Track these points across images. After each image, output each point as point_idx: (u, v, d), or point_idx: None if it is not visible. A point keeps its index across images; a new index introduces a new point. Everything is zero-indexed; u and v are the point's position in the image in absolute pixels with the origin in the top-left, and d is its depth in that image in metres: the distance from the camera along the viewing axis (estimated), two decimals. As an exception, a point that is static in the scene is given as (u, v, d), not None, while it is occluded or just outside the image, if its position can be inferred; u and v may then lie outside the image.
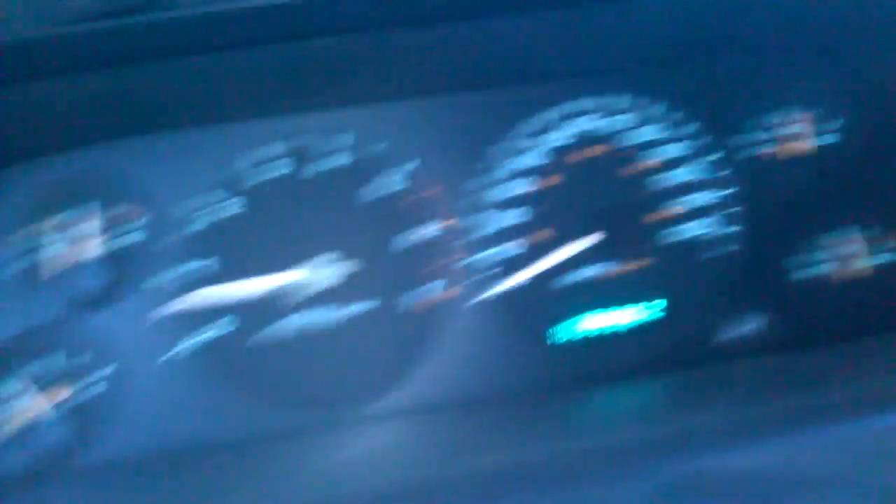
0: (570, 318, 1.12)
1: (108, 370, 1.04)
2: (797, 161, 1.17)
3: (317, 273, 1.06)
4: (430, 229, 1.10)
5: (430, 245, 1.10)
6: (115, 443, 1.03)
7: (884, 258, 1.17)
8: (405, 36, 0.98)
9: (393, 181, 1.10)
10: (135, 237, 1.06)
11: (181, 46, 0.91)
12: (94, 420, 1.03)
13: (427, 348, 1.09)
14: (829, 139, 1.18)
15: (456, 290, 1.10)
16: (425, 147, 1.11)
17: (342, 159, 1.10)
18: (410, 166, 1.10)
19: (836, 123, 1.18)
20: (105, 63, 0.91)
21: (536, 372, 1.11)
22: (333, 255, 1.07)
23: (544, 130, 1.13)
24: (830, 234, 1.17)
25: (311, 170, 1.09)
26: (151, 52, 0.91)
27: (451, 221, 1.10)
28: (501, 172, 1.12)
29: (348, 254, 1.08)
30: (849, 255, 1.17)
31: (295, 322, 1.07)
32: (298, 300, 1.07)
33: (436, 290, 1.10)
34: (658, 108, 1.14)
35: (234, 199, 1.08)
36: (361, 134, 1.10)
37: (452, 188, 1.11)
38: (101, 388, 1.04)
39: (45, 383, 1.03)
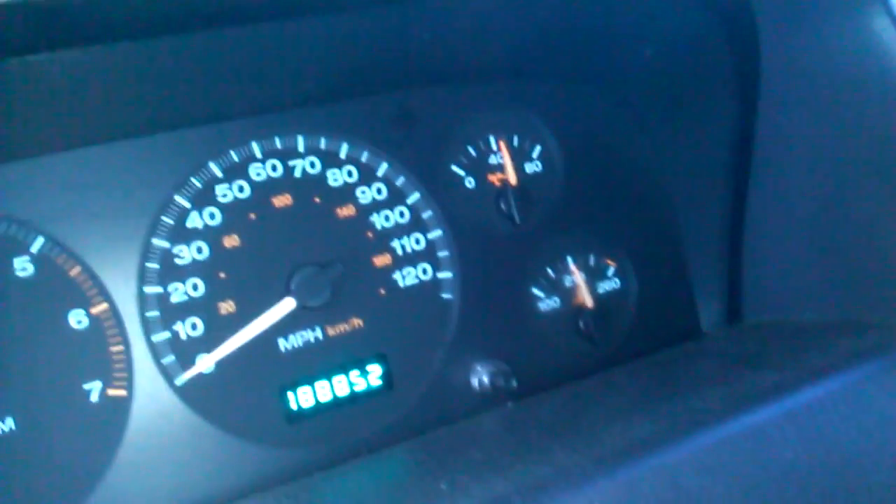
0: (277, 395, 0.94)
1: None
2: (501, 193, 1.07)
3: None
4: (79, 312, 0.88)
5: (81, 330, 0.88)
6: None
7: (606, 286, 1.11)
8: None
9: (16, 265, 0.86)
10: None
11: None
12: None
13: (89, 464, 0.87)
14: (533, 168, 1.10)
15: (121, 389, 0.88)
16: (52, 219, 0.88)
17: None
18: (40, 245, 0.87)
19: (538, 151, 1.11)
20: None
21: (241, 468, 0.92)
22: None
23: (209, 184, 0.95)
24: (549, 267, 1.08)
25: None
26: None
27: (103, 307, 0.89)
28: (163, 240, 0.92)
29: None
30: (570, 287, 1.09)
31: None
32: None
33: (95, 390, 0.87)
34: (339, 149, 1.01)
35: None
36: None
37: (98, 267, 0.89)
38: None
39: None
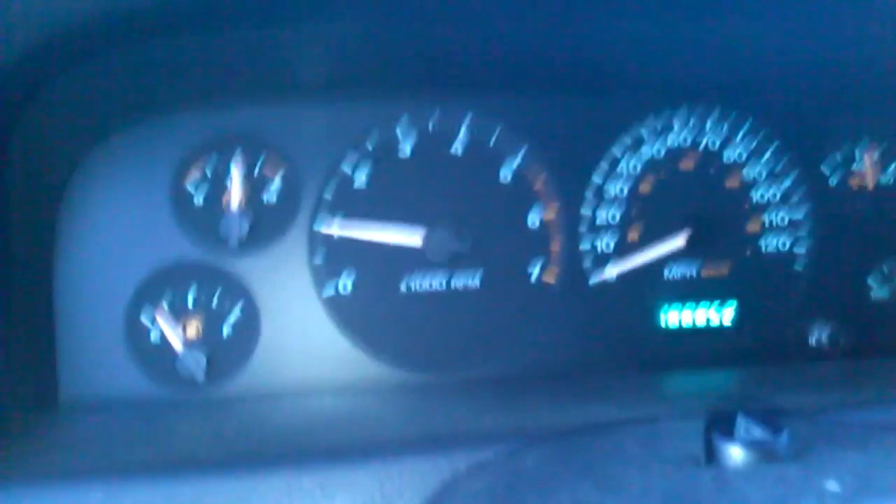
0: (653, 310, 1.22)
1: (236, 314, 1.13)
2: (864, 192, 1.29)
3: (431, 241, 1.17)
4: (535, 215, 1.21)
5: (534, 229, 1.21)
6: (241, 380, 1.12)
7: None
8: (528, 33, 1.10)
9: (503, 167, 1.21)
10: (273, 193, 1.16)
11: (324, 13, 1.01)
12: (221, 359, 1.12)
13: (526, 322, 1.20)
14: (888, 180, 1.31)
15: (552, 276, 1.20)
16: (536, 139, 1.22)
17: (461, 142, 1.21)
18: (521, 155, 1.21)
19: (891, 167, 1.31)
20: (251, 20, 0.97)
21: (616, 353, 1.22)
22: (448, 228, 1.18)
23: (640, 139, 1.25)
24: (886, 264, 1.28)
25: (432, 148, 1.20)
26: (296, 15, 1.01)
27: (554, 211, 1.21)
28: (601, 173, 1.23)
29: (462, 227, 1.19)
30: (903, 282, 1.29)
31: (411, 284, 1.17)
32: (413, 267, 1.17)
33: (534, 273, 1.20)
34: (743, 127, 1.27)
35: (364, 167, 1.18)
36: (479, 120, 1.21)
37: (557, 181, 1.22)
38: (229, 330, 1.13)
39: (176, 319, 1.12)
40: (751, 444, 0.61)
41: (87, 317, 1.10)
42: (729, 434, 0.62)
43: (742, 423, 0.62)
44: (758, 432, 0.62)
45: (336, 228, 1.17)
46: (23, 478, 0.75)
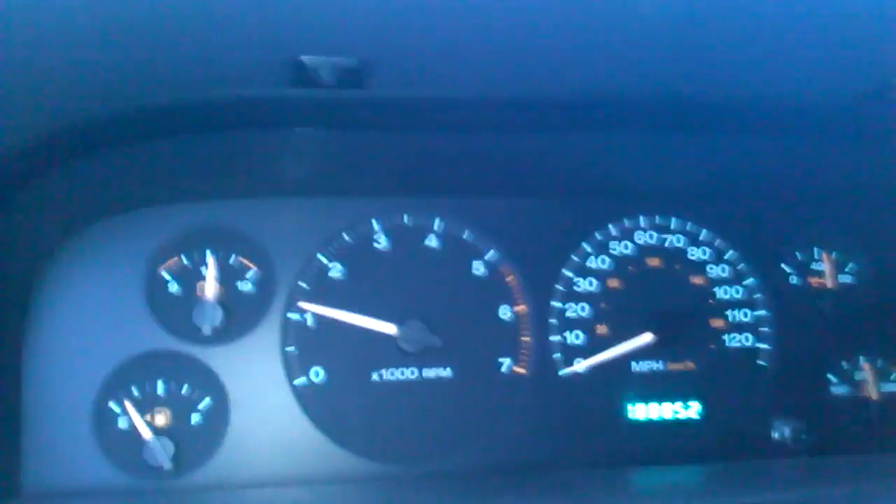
0: (621, 403, 1.24)
1: (206, 403, 1.13)
2: (819, 294, 1.34)
3: (405, 331, 1.18)
4: (507, 308, 1.23)
5: (506, 321, 1.23)
6: (210, 470, 1.11)
7: (889, 387, 1.33)
8: (500, 141, 1.14)
9: (476, 261, 1.24)
10: (245, 287, 1.17)
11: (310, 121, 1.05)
12: (189, 448, 1.11)
13: (497, 414, 1.21)
14: (846, 279, 1.36)
15: (523, 368, 1.22)
16: (505, 241, 1.26)
17: (431, 241, 1.24)
18: (491, 256, 1.24)
19: (852, 267, 1.36)
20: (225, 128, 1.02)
21: (585, 446, 1.23)
22: (419, 323, 1.19)
23: (607, 240, 1.29)
24: (846, 360, 1.32)
25: (407, 242, 1.23)
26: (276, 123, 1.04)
27: (523, 307, 1.24)
28: (569, 271, 1.26)
29: (433, 322, 1.20)
30: (860, 381, 1.32)
31: (383, 374, 1.18)
32: (386, 357, 1.18)
33: (505, 365, 1.22)
34: (699, 234, 1.32)
35: (336, 264, 1.21)
36: (450, 222, 1.25)
37: (526, 279, 1.25)
38: (198, 419, 1.12)
39: (144, 407, 1.11)
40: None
41: (54, 405, 1.09)
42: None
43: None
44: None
45: (310, 315, 1.18)
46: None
